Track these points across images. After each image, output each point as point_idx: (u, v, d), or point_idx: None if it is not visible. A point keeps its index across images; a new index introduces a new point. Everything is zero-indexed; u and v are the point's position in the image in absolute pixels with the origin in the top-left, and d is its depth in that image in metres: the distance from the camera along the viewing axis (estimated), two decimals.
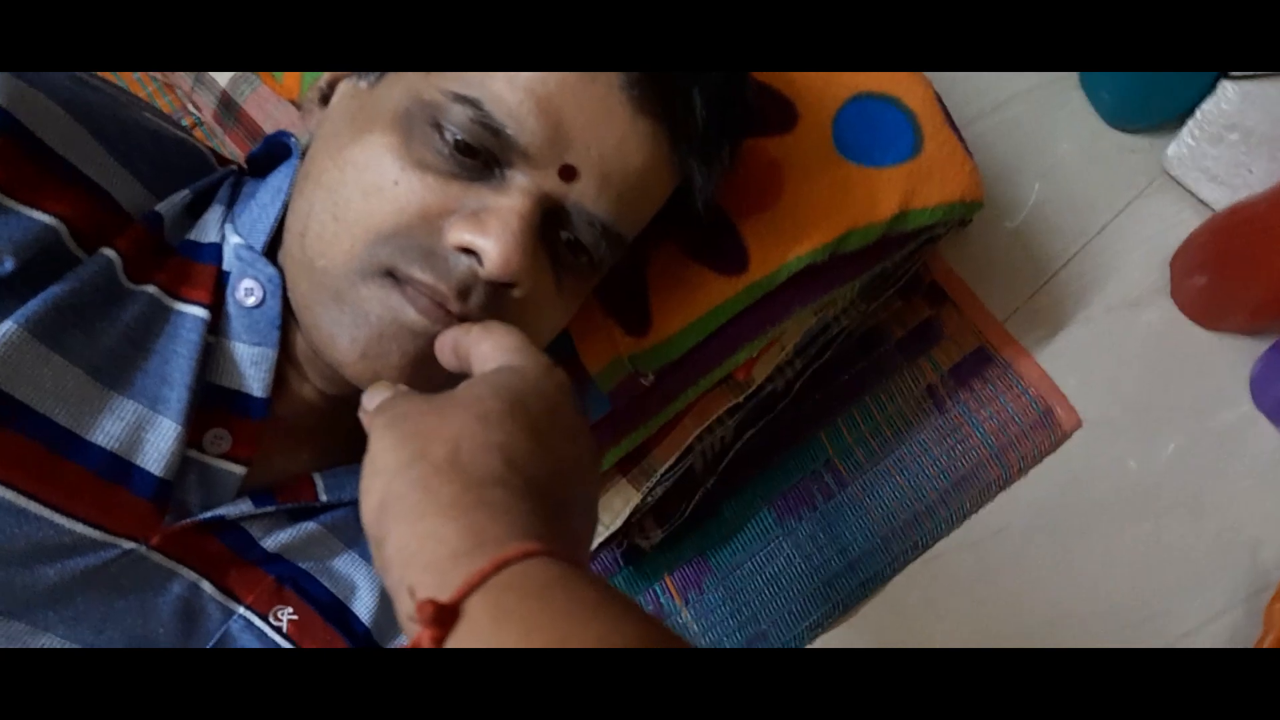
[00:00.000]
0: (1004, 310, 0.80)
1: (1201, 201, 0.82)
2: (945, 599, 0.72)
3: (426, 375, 0.46)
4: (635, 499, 0.62)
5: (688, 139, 0.48)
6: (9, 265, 0.43)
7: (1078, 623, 0.71)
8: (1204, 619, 0.72)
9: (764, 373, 0.63)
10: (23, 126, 0.45)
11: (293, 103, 0.68)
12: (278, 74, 0.67)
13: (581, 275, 0.49)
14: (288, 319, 0.50)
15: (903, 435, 0.75)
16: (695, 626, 0.69)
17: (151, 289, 0.48)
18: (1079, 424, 0.76)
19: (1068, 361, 0.78)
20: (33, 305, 0.44)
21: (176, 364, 0.47)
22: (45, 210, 0.45)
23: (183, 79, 0.74)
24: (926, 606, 0.72)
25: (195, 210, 0.52)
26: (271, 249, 0.51)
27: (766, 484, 0.72)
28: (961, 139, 0.63)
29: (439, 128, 0.44)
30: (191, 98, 0.74)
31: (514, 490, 0.33)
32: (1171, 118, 0.82)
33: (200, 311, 0.48)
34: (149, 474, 0.46)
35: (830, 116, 0.61)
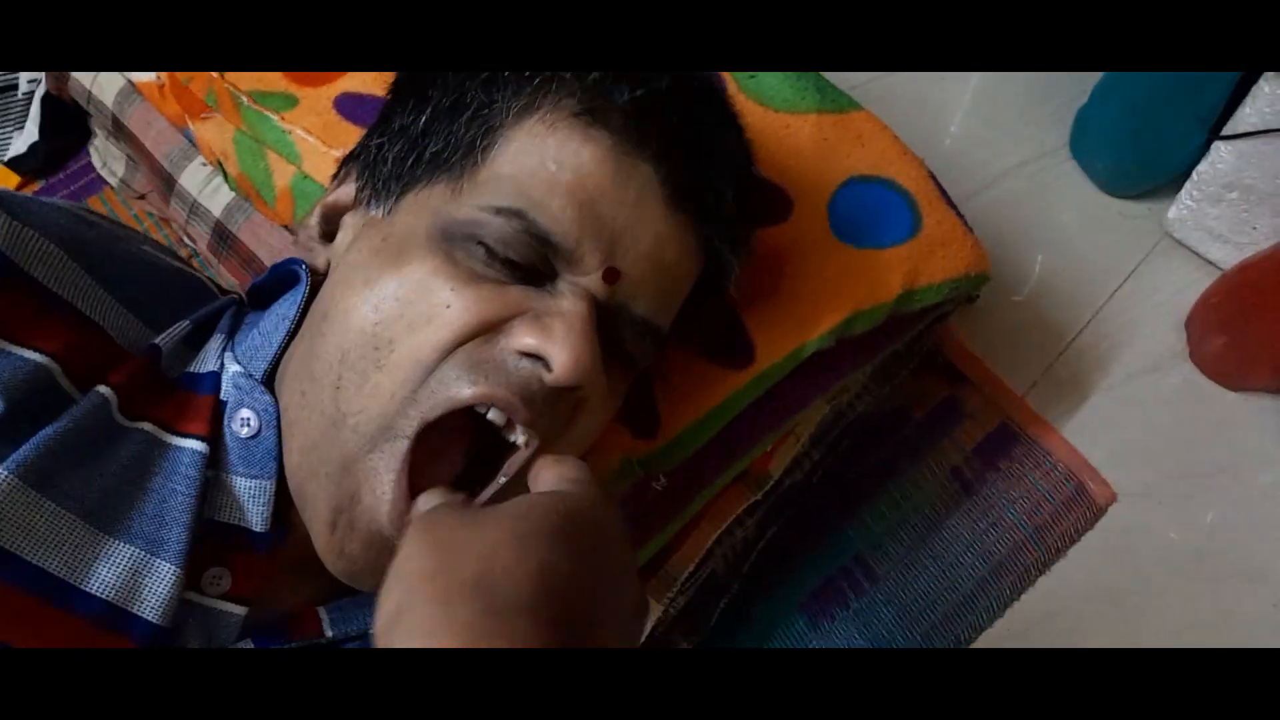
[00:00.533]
0: (1022, 384, 0.78)
1: (1208, 261, 0.80)
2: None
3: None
4: (657, 611, 0.59)
5: (718, 227, 0.48)
6: (15, 402, 0.42)
7: None
8: None
9: (781, 465, 0.60)
10: (14, 265, 0.44)
11: (286, 228, 0.68)
12: (270, 200, 0.67)
13: (624, 375, 0.48)
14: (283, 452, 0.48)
15: (932, 522, 0.71)
16: None
17: (147, 426, 0.47)
18: (1114, 497, 0.73)
19: (1094, 433, 0.75)
20: (25, 450, 0.42)
21: (174, 502, 0.45)
22: (37, 349, 0.44)
23: (177, 212, 0.75)
24: None
25: (195, 342, 0.51)
26: (270, 380, 0.50)
27: (795, 584, 0.69)
28: (960, 215, 0.62)
29: (483, 245, 0.43)
30: (187, 230, 0.74)
31: (542, 622, 0.30)
32: (1166, 181, 0.81)
33: (198, 445, 0.46)
34: (148, 623, 0.44)
35: (825, 201, 0.60)
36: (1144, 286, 0.82)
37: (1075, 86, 0.88)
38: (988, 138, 0.88)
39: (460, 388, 0.42)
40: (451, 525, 0.34)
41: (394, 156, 0.49)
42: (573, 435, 0.47)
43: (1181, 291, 0.80)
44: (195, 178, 0.72)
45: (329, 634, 0.49)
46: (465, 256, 0.44)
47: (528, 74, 0.46)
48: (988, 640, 0.68)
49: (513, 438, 0.43)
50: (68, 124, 0.88)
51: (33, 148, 0.87)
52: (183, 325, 0.50)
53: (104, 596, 0.43)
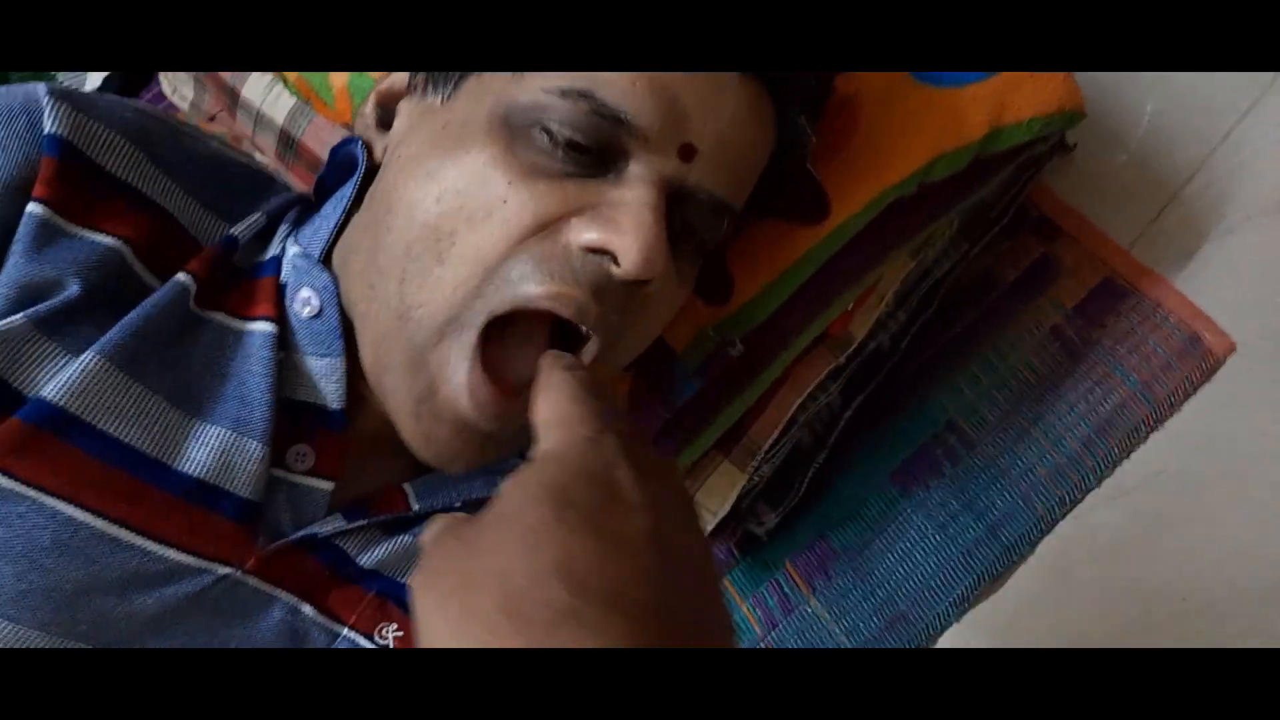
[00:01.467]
0: (1128, 237, 0.72)
1: None
2: (1103, 557, 0.64)
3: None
4: (741, 480, 0.58)
5: (795, 96, 0.46)
6: (75, 289, 0.43)
7: (1266, 570, 0.63)
8: None
9: (864, 327, 0.58)
10: (81, 153, 0.45)
11: (345, 126, 0.67)
12: (329, 100, 0.67)
13: (693, 259, 0.46)
14: (351, 329, 0.48)
15: (1032, 385, 0.68)
16: (827, 615, 0.64)
17: (220, 316, 0.48)
18: (1232, 348, 0.67)
19: (1210, 282, 0.69)
20: (113, 334, 0.43)
21: (253, 383, 0.46)
22: (107, 232, 0.45)
23: (244, 126, 0.75)
24: (1082, 567, 0.64)
25: (266, 234, 0.52)
26: (329, 260, 0.50)
27: (885, 454, 0.67)
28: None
29: (546, 130, 0.41)
30: (255, 142, 0.75)
31: (589, 622, 0.28)
32: None
33: (268, 327, 0.47)
34: (238, 497, 0.45)
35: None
36: (1264, 121, 0.74)
37: None
38: None
39: (527, 286, 0.41)
40: (452, 563, 0.31)
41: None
42: (641, 327, 0.46)
43: None
44: (257, 87, 0.72)
45: (415, 508, 0.50)
46: (526, 146, 0.42)
47: None
48: (1094, 500, 0.65)
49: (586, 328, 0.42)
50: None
51: (107, 80, 0.88)
52: (257, 218, 0.51)
53: (195, 475, 0.44)
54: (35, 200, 0.43)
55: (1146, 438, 0.66)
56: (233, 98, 0.74)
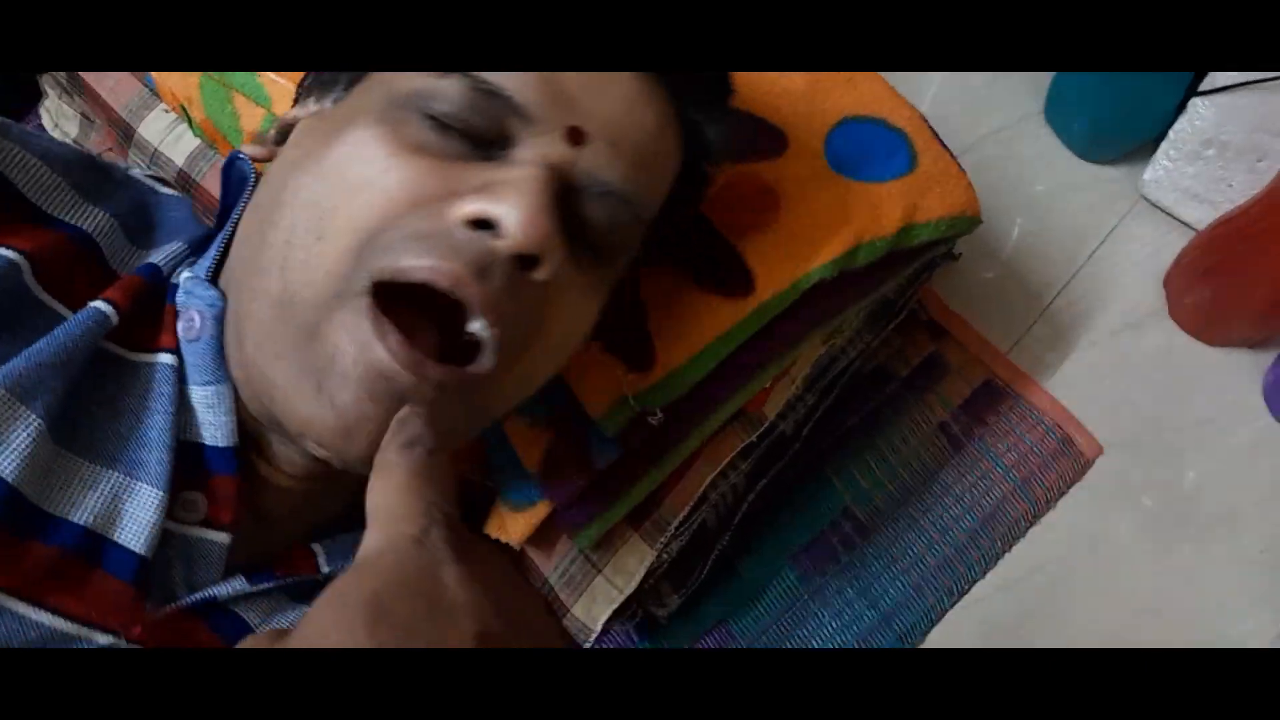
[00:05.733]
0: (1005, 343, 0.77)
1: (1184, 222, 0.81)
2: (990, 645, 0.66)
3: (445, 423, 0.40)
4: (650, 557, 0.57)
5: (688, 89, 0.44)
6: None
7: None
8: (1271, 636, 0.67)
9: (776, 407, 0.59)
10: None
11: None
12: (237, 144, 0.64)
13: (599, 268, 0.43)
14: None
15: (921, 476, 0.70)
16: None
17: (120, 349, 0.44)
18: (1100, 450, 0.72)
19: (1078, 389, 0.75)
20: (17, 363, 0.38)
21: (151, 421, 0.42)
22: (7, 246, 0.41)
23: (136, 164, 0.71)
24: None
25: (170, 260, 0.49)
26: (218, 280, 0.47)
27: (784, 538, 0.67)
28: (953, 156, 0.62)
29: (430, 115, 0.40)
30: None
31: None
32: (1142, 144, 0.82)
33: (167, 358, 0.44)
34: (128, 551, 0.40)
35: (821, 139, 0.59)
36: (1121, 248, 0.82)
37: None
38: (962, 103, 0.88)
39: (404, 258, 0.37)
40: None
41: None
42: (547, 338, 0.42)
43: (1159, 251, 0.80)
44: (156, 126, 0.69)
45: (325, 570, 0.46)
46: (411, 128, 0.40)
47: None
48: (981, 592, 0.67)
49: (472, 326, 0.38)
50: (14, 86, 0.84)
51: None
52: (178, 247, 0.48)
53: (81, 523, 0.39)
54: None
55: (1026, 532, 0.70)
56: (126, 135, 0.71)
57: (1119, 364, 0.77)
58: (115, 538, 0.40)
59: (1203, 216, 0.79)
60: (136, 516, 0.40)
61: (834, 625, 0.65)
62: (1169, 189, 0.80)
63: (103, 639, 0.39)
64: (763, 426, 0.58)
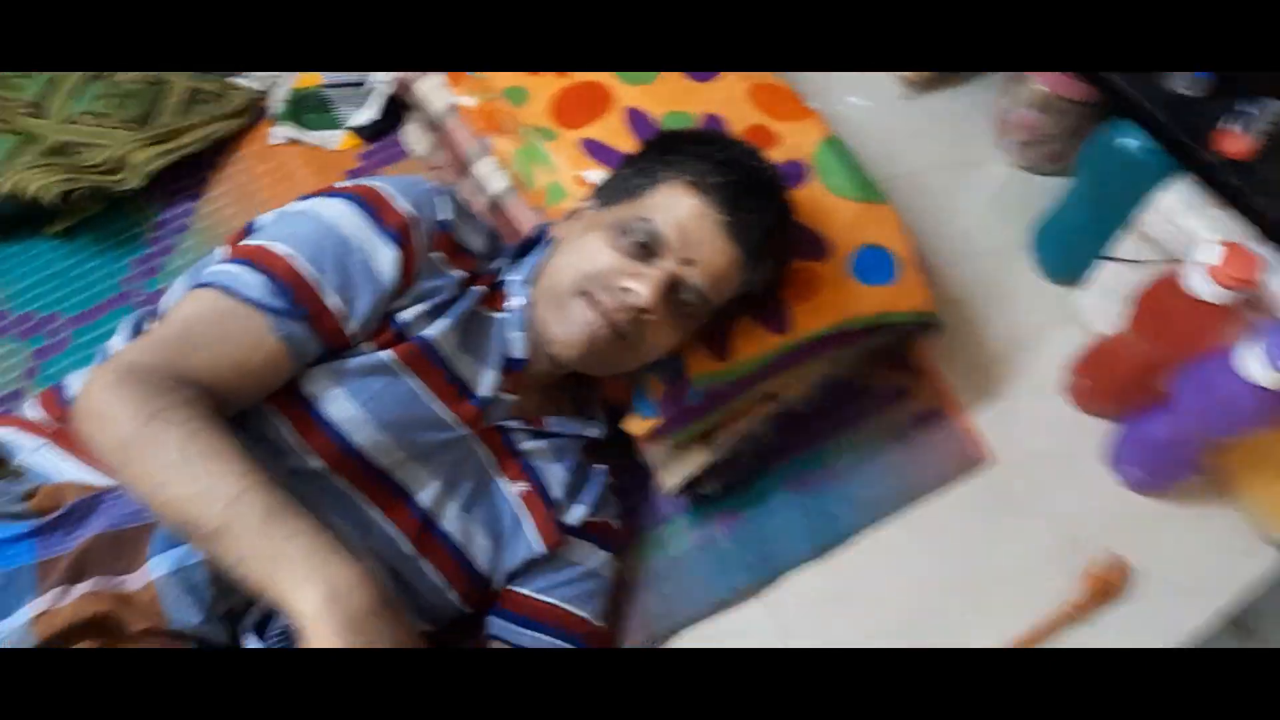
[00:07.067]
0: (951, 380, 1.24)
1: (1095, 332, 1.25)
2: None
3: (599, 355, 0.91)
4: (706, 458, 1.07)
5: (752, 254, 0.93)
6: (445, 294, 0.91)
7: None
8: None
9: (791, 394, 1.08)
10: (452, 228, 0.94)
11: (535, 209, 1.16)
12: (530, 185, 1.16)
13: (685, 321, 0.94)
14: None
15: (874, 451, 1.18)
16: (731, 545, 1.12)
17: (486, 309, 0.96)
18: (988, 458, 1.19)
19: (995, 424, 1.21)
20: (454, 311, 0.91)
21: (495, 342, 0.95)
22: (457, 269, 0.94)
23: (467, 185, 1.24)
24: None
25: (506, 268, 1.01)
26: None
27: (784, 471, 1.16)
28: (925, 276, 1.09)
29: (626, 232, 0.90)
30: (472, 197, 1.24)
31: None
32: (1085, 277, 1.26)
33: (504, 315, 0.96)
34: (480, 396, 0.93)
35: (847, 254, 1.07)
36: (1057, 341, 1.27)
37: (1044, 198, 1.33)
38: (968, 228, 1.34)
39: (600, 293, 0.88)
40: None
41: (613, 185, 0.97)
42: (645, 342, 0.92)
43: (1078, 346, 1.24)
44: (485, 168, 1.21)
45: (548, 428, 0.99)
46: (618, 237, 0.90)
47: (671, 161, 0.93)
48: (900, 518, 1.15)
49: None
50: (393, 112, 1.38)
51: (374, 123, 1.38)
52: (503, 261, 1.01)
53: (465, 378, 0.92)
54: (433, 251, 0.91)
55: (920, 499, 1.17)
56: (464, 167, 1.23)
57: (1022, 411, 1.22)
58: (476, 391, 0.93)
59: (1102, 332, 1.23)
60: (485, 382, 0.93)
61: (802, 524, 1.14)
62: (1089, 311, 1.24)
63: (463, 430, 0.92)
64: (783, 403, 1.08)
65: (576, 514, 0.99)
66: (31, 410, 0.91)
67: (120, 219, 1.25)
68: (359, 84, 1.38)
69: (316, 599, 0.66)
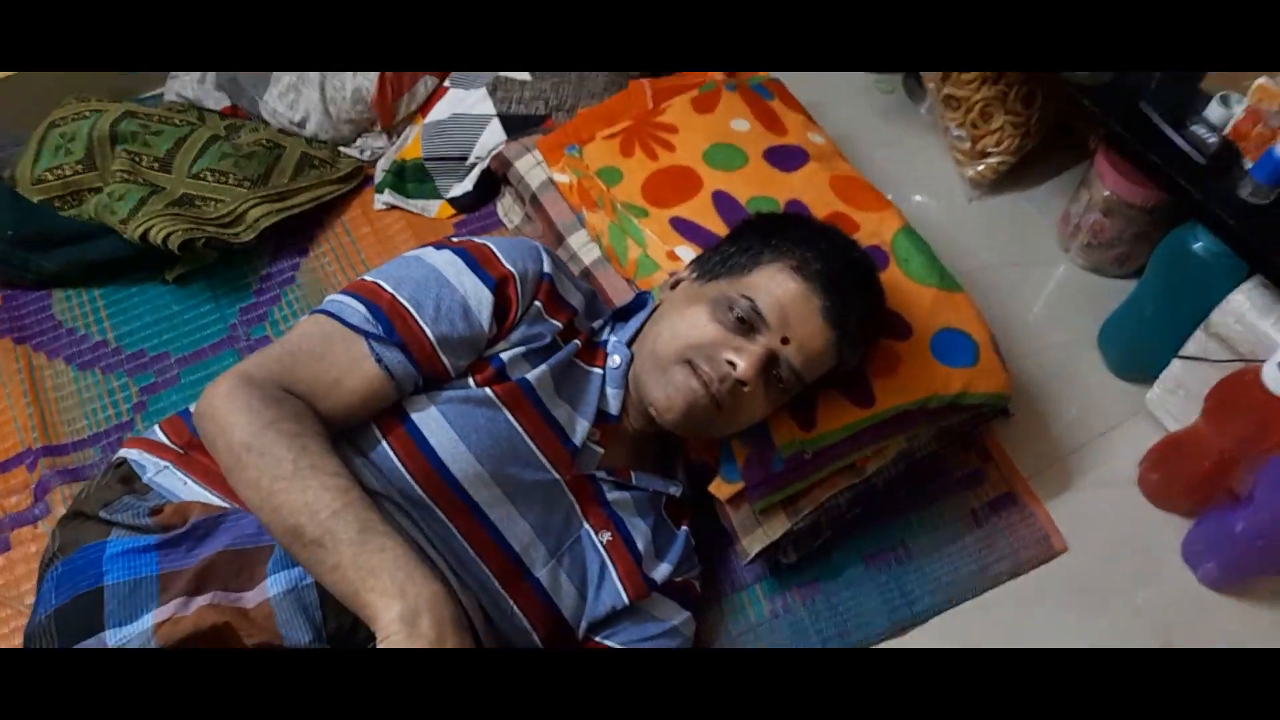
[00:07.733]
0: (1027, 470, 1.25)
1: (1164, 427, 1.27)
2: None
3: (695, 420, 0.95)
4: (787, 525, 1.09)
5: (846, 337, 0.98)
6: (545, 340, 0.96)
7: None
8: None
9: (872, 468, 1.10)
10: (554, 282, 0.99)
11: (627, 281, 1.22)
12: (623, 263, 1.22)
13: (778, 394, 0.98)
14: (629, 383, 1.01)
15: (950, 534, 1.20)
16: (807, 618, 1.13)
17: (583, 364, 1.01)
18: (1065, 548, 1.19)
19: (1069, 511, 1.22)
20: (552, 361, 0.96)
21: (590, 395, 0.99)
22: (554, 320, 0.99)
23: (562, 254, 1.30)
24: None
25: (602, 328, 1.06)
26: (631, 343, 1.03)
27: (861, 544, 1.18)
28: (1002, 360, 1.12)
29: (730, 308, 0.95)
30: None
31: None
32: (1153, 375, 1.29)
33: (599, 371, 1.01)
34: (573, 442, 0.97)
35: (929, 335, 1.11)
36: (1126, 434, 1.29)
37: (1110, 297, 1.37)
38: (1036, 323, 1.38)
39: (701, 362, 0.92)
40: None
41: (714, 261, 1.02)
42: (739, 411, 0.96)
43: (1147, 440, 1.26)
44: (578, 240, 1.28)
45: (634, 482, 1.02)
46: (721, 311, 0.95)
47: (774, 244, 0.98)
48: (977, 602, 1.15)
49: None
50: (487, 184, 1.47)
51: (466, 195, 1.46)
52: (603, 322, 1.05)
53: (562, 423, 0.96)
54: (536, 300, 0.97)
55: (1004, 581, 1.17)
56: (559, 239, 1.30)
57: (1094, 502, 1.23)
58: (572, 438, 0.96)
59: (1174, 426, 1.25)
60: (579, 430, 0.97)
61: (879, 600, 1.15)
62: (1158, 406, 1.27)
63: (555, 475, 0.96)
64: (863, 475, 1.10)
65: (662, 571, 1.01)
66: (156, 434, 0.95)
67: (231, 270, 1.33)
68: (461, 158, 1.47)
69: (397, 611, 0.72)
